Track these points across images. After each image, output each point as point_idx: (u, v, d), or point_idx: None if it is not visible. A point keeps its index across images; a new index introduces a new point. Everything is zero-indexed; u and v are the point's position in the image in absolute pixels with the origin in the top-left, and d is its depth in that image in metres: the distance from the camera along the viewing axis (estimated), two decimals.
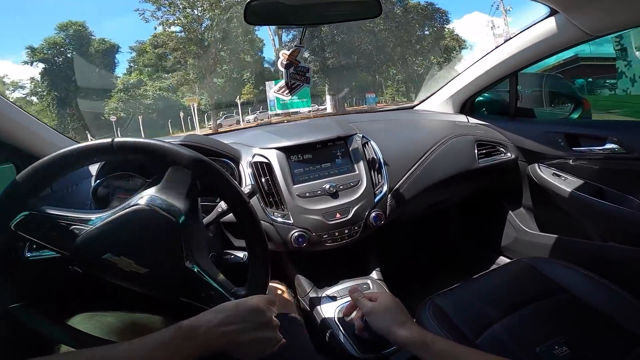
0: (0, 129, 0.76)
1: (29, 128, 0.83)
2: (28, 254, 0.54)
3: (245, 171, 0.90)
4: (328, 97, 18.48)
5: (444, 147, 1.08)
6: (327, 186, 0.88)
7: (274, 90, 0.75)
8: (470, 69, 1.21)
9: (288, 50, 0.71)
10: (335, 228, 0.89)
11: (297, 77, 0.72)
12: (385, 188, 0.96)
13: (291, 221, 0.86)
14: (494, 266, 1.37)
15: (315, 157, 0.93)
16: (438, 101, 1.37)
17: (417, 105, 1.44)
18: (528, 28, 1.02)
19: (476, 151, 1.14)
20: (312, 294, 0.99)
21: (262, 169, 0.89)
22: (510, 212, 1.33)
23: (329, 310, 0.94)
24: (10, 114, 0.78)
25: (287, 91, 0.73)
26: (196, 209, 0.57)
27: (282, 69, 0.72)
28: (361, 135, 1.01)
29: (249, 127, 1.35)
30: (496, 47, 1.13)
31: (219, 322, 0.46)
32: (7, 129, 0.78)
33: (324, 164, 0.93)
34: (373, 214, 0.92)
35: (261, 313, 0.50)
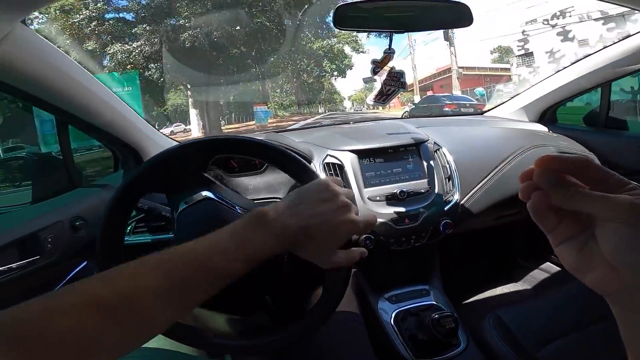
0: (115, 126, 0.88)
1: (136, 124, 0.95)
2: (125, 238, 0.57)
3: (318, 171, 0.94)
4: (193, 113, 12.88)
5: (521, 158, 1.02)
6: (398, 191, 0.89)
7: (369, 99, 0.77)
8: (555, 75, 1.13)
9: (379, 58, 0.72)
10: (402, 234, 0.90)
11: (391, 82, 0.73)
12: (456, 197, 0.95)
13: None
14: (561, 283, 1.29)
15: (386, 161, 0.95)
16: (512, 108, 1.29)
17: (488, 111, 1.37)
18: (631, 36, 0.92)
19: None
20: (370, 295, 1.01)
21: (334, 170, 0.93)
22: None
23: (385, 313, 0.96)
24: (124, 112, 0.89)
25: (384, 98, 0.74)
26: None
27: (375, 77, 0.73)
28: (433, 141, 1.00)
29: (315, 126, 1.40)
30: (588, 55, 1.04)
31: (286, 204, 0.43)
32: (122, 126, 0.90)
33: (395, 169, 0.94)
34: (442, 222, 0.91)
35: (327, 187, 0.45)
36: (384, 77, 0.73)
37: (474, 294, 1.29)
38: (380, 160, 0.95)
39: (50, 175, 0.87)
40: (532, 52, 15.66)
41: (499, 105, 1.35)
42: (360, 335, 0.82)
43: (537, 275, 1.37)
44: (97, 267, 0.70)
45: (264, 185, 1.00)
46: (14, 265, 0.66)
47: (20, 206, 0.85)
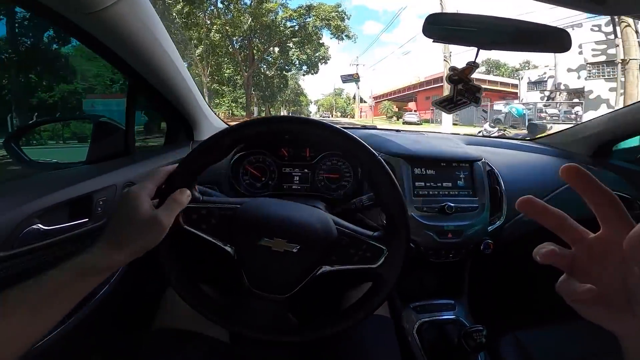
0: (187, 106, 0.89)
1: (198, 103, 0.96)
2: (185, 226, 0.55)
3: None
4: None
5: (569, 191, 1.00)
6: (446, 206, 0.88)
7: (435, 102, 0.75)
8: (623, 110, 1.09)
9: (461, 67, 0.71)
10: (443, 247, 0.90)
11: (465, 94, 0.71)
12: (502, 220, 0.94)
13: None
14: None
15: (437, 173, 0.94)
16: (567, 138, 1.26)
17: (539, 138, 1.34)
18: None
19: None
20: (397, 302, 1.01)
21: None
22: None
23: (409, 321, 0.96)
24: (193, 90, 0.91)
25: (451, 106, 0.73)
26: None
27: (449, 84, 0.72)
28: (486, 161, 0.99)
29: (356, 127, 1.39)
30: None
31: (109, 243, 0.46)
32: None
33: (445, 183, 0.93)
34: (484, 242, 0.91)
35: (126, 201, 0.47)
36: (460, 86, 0.71)
37: (496, 312, 1.28)
38: (431, 172, 0.94)
39: (109, 139, 0.88)
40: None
41: (552, 133, 1.31)
42: (389, 341, 0.82)
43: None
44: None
45: (311, 179, 1.01)
46: (62, 226, 0.64)
47: (75, 165, 0.87)
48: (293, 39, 17.80)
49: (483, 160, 0.98)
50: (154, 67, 0.72)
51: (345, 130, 0.55)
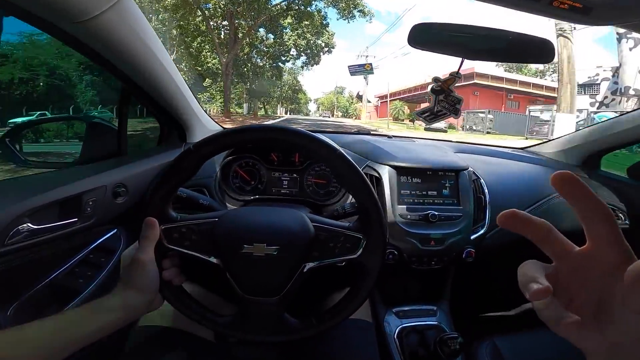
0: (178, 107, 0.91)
1: (191, 105, 0.98)
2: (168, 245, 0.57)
3: None
4: None
5: (556, 202, 1.02)
6: (430, 214, 0.89)
7: (416, 113, 0.77)
8: (612, 120, 1.10)
9: (443, 76, 0.72)
10: (426, 254, 0.91)
11: (445, 105, 0.73)
12: (484, 229, 0.96)
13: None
14: None
15: (423, 182, 0.95)
16: (555, 148, 1.27)
17: (529, 147, 1.35)
18: None
19: None
20: (379, 307, 1.03)
21: (371, 181, 0.94)
22: None
23: (390, 326, 0.98)
24: (185, 92, 0.92)
25: (431, 117, 0.74)
26: None
27: (431, 94, 0.73)
28: (472, 170, 1.00)
29: (346, 132, 1.40)
30: None
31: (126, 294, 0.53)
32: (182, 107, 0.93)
33: (431, 192, 0.95)
34: (466, 250, 0.93)
35: (130, 264, 0.53)
36: (441, 97, 0.72)
37: (474, 317, 1.30)
38: (417, 180, 0.95)
39: (101, 140, 0.90)
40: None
41: (541, 143, 1.32)
42: (369, 344, 0.84)
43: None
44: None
45: (299, 184, 1.03)
46: (51, 225, 0.66)
47: (67, 165, 0.89)
48: (287, 17, 13.82)
49: (469, 169, 0.99)
50: (144, 71, 0.73)
51: (301, 130, 0.58)
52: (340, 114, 49.22)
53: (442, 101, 0.73)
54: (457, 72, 0.71)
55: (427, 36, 0.69)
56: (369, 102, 38.25)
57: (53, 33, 0.58)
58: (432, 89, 0.74)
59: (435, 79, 0.74)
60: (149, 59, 0.72)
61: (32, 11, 0.53)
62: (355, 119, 39.08)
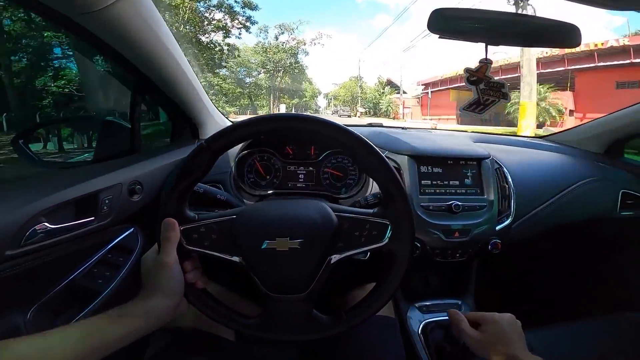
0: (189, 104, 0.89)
1: (203, 102, 0.96)
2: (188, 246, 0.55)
3: None
4: None
5: (582, 190, 0.99)
6: (453, 204, 0.86)
7: (462, 108, 0.74)
8: (636, 106, 1.06)
9: (474, 67, 0.69)
10: (449, 246, 0.89)
11: (490, 92, 0.69)
12: (510, 219, 0.93)
13: None
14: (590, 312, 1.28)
15: (444, 172, 0.93)
16: (579, 136, 1.23)
17: (550, 135, 1.31)
18: None
19: (619, 199, 1.02)
20: (402, 302, 1.00)
21: None
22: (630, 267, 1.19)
23: (414, 322, 0.96)
24: (198, 89, 0.91)
25: (480, 108, 0.71)
26: None
27: (470, 86, 0.70)
28: (494, 159, 0.97)
29: (362, 125, 1.37)
30: None
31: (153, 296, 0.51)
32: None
33: (452, 181, 0.92)
34: (492, 242, 0.90)
35: (155, 262, 0.52)
36: (481, 86, 0.69)
37: (501, 311, 1.27)
38: (438, 170, 0.92)
39: (115, 138, 0.89)
40: None
41: (563, 130, 1.29)
42: (394, 341, 0.82)
43: (565, 303, 1.36)
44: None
45: (315, 177, 1.00)
46: (68, 224, 0.65)
47: (82, 164, 0.87)
48: None
49: (491, 158, 0.96)
50: (157, 66, 0.71)
51: (318, 117, 0.55)
52: (363, 110, 33.25)
53: (485, 90, 0.70)
54: (486, 58, 0.68)
55: (447, 22, 0.67)
56: (405, 92, 27.91)
57: (64, 24, 0.56)
58: (468, 80, 0.70)
59: (467, 70, 0.71)
60: (161, 54, 0.70)
61: (43, 1, 0.51)
62: (394, 117, 26.99)
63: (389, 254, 0.55)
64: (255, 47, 24.64)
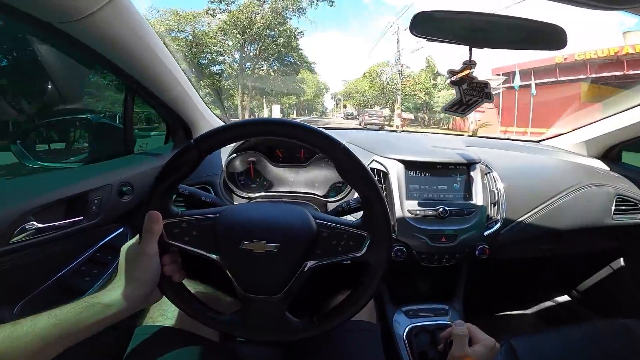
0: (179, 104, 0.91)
1: (195, 103, 0.98)
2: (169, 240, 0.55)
3: None
4: None
5: (575, 195, 0.97)
6: (440, 209, 0.86)
7: (444, 108, 0.73)
8: (630, 111, 1.04)
9: (458, 68, 0.69)
10: (436, 251, 0.88)
11: (473, 92, 0.69)
12: (499, 224, 0.92)
13: (395, 235, 0.87)
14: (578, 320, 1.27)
15: (433, 176, 0.92)
16: (573, 141, 1.21)
17: (545, 140, 1.30)
18: None
19: (613, 206, 1.00)
20: (388, 306, 1.00)
21: (378, 176, 0.92)
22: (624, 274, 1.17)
23: (399, 326, 0.95)
24: (188, 90, 0.92)
25: (463, 108, 0.71)
26: None
27: (453, 87, 0.70)
28: (484, 164, 0.96)
29: (350, 128, 1.38)
30: None
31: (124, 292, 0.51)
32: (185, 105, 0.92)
33: (441, 186, 0.92)
34: (479, 247, 0.89)
35: (130, 251, 0.54)
36: (464, 86, 0.69)
37: (490, 318, 1.26)
38: (426, 174, 0.92)
39: (108, 139, 0.91)
40: None
41: (558, 135, 1.27)
42: (374, 347, 0.82)
43: (556, 309, 1.35)
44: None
45: (304, 180, 1.01)
46: (56, 223, 0.66)
47: (75, 165, 0.90)
48: None
49: (481, 162, 0.95)
50: (145, 69, 0.73)
51: (301, 123, 0.55)
52: (409, 115, 18.73)
53: (468, 90, 0.70)
54: (470, 60, 0.68)
55: (431, 25, 0.66)
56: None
57: (51, 33, 0.58)
58: (451, 82, 0.71)
59: (451, 72, 0.71)
60: (148, 56, 0.72)
61: (27, 11, 0.53)
62: (454, 128, 15.83)
63: (365, 263, 0.56)
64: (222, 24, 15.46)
